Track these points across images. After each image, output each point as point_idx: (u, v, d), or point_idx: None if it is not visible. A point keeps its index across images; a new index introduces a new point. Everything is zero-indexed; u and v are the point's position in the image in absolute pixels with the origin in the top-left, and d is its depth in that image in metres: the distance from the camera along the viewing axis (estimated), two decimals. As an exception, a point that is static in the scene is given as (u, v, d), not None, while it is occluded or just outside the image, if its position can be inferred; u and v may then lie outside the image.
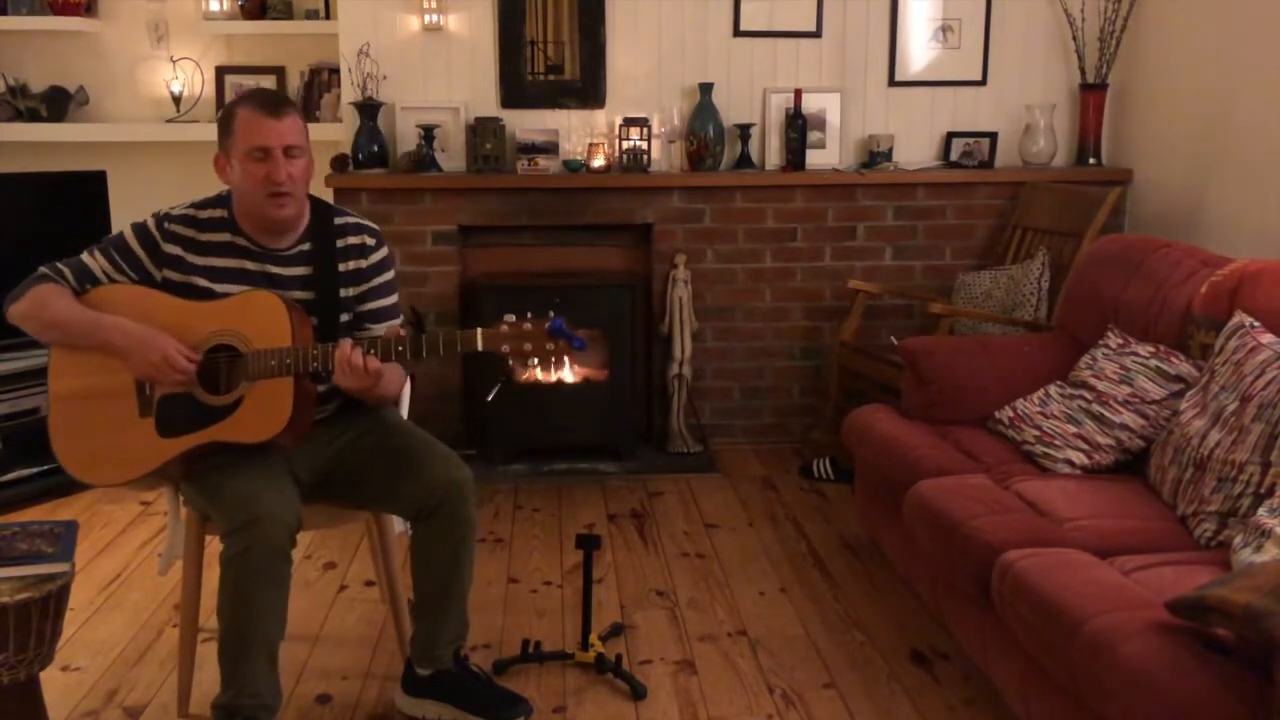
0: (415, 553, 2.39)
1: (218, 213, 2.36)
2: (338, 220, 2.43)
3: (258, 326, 2.25)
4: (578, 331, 2.18)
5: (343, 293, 2.40)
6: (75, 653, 2.74)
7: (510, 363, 2.20)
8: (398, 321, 2.48)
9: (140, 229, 2.35)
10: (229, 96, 4.52)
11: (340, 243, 2.41)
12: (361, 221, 2.47)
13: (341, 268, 2.40)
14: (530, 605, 3.03)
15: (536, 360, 2.19)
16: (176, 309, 2.30)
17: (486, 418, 4.11)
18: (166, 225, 2.34)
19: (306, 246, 2.39)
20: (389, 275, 2.49)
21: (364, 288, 2.43)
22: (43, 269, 2.35)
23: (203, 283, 2.32)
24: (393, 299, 2.49)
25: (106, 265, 2.34)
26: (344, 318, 2.40)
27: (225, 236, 2.35)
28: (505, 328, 2.19)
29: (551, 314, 2.19)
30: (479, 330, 2.19)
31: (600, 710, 2.50)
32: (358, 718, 2.49)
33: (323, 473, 2.40)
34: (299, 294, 2.35)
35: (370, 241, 2.45)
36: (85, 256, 2.36)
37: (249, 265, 2.34)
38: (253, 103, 2.30)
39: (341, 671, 2.68)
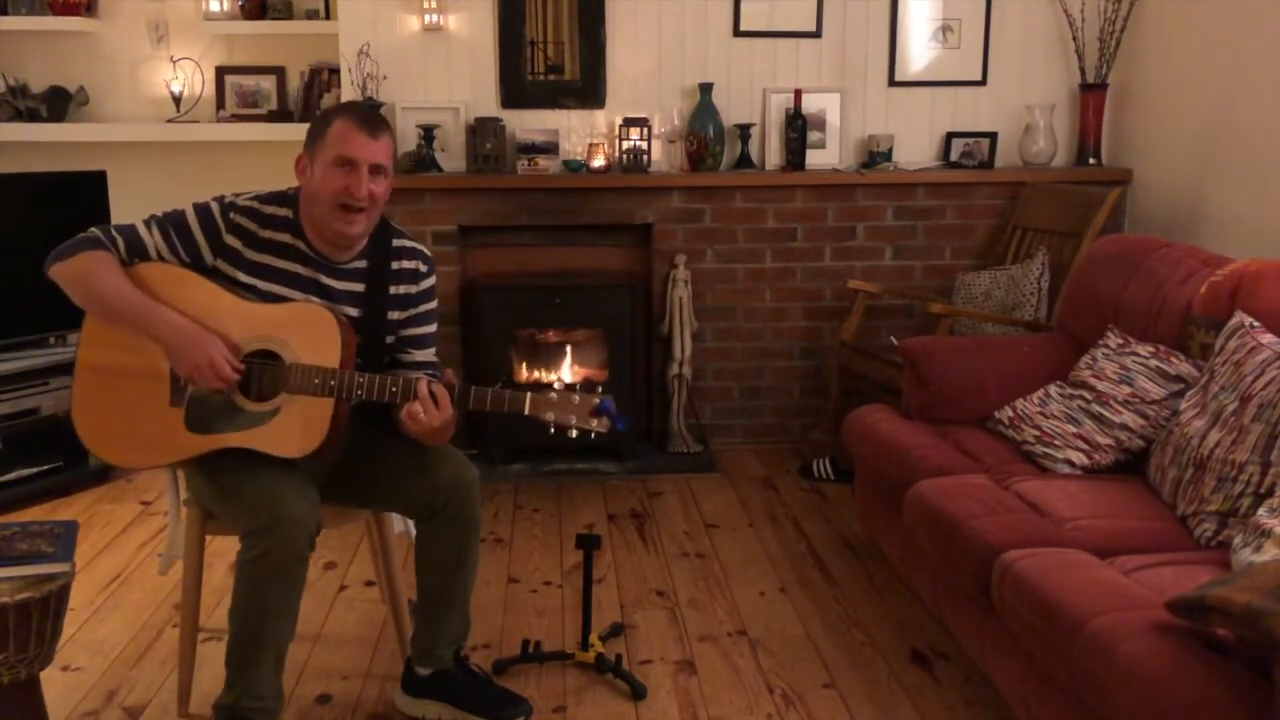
0: (419, 552, 2.39)
1: (282, 211, 2.31)
2: (395, 242, 2.40)
3: (307, 340, 2.22)
4: (621, 414, 2.21)
5: (390, 315, 2.38)
6: (75, 653, 2.74)
7: (551, 431, 2.22)
8: (431, 351, 2.46)
9: (204, 214, 2.28)
10: (229, 97, 4.53)
11: (395, 265, 2.39)
12: (417, 246, 2.44)
13: (393, 290, 2.38)
14: (530, 605, 3.03)
15: (575, 434, 2.21)
16: (223, 304, 2.25)
17: (487, 418, 4.11)
18: (231, 216, 2.28)
19: (363, 264, 2.35)
20: (433, 304, 2.47)
21: (410, 313, 2.41)
22: (95, 231, 2.27)
23: (250, 279, 2.27)
24: (433, 327, 2.47)
25: (161, 243, 2.27)
26: (388, 339, 2.39)
27: (286, 237, 2.30)
28: (554, 395, 2.19)
29: (599, 389, 2.21)
30: (528, 395, 2.19)
31: (600, 710, 2.50)
32: (358, 718, 2.49)
33: (331, 473, 2.39)
34: (348, 309, 2.32)
35: (423, 268, 2.43)
36: (141, 228, 2.28)
37: (302, 271, 2.30)
38: (352, 116, 2.27)
39: (341, 671, 2.68)
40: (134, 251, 2.27)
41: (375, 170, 2.25)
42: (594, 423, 2.19)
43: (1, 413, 3.69)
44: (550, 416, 2.20)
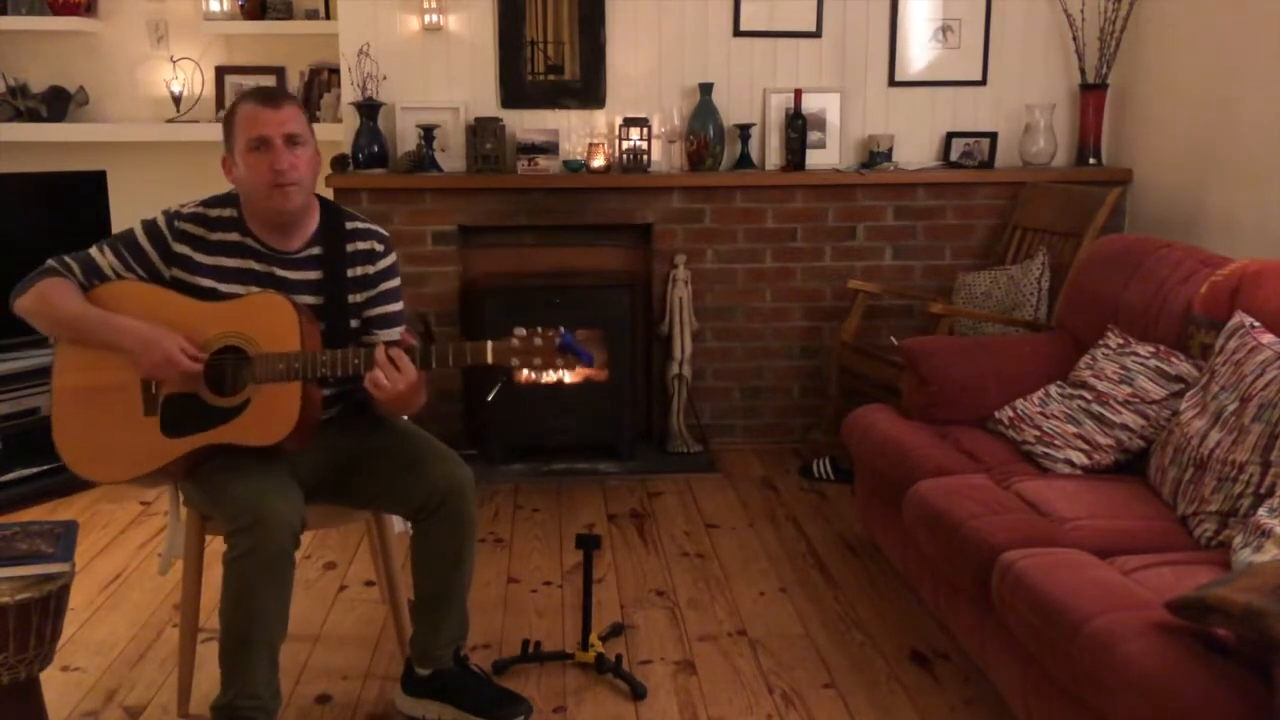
0: (416, 552, 2.39)
1: (227, 212, 2.34)
2: (348, 225, 2.42)
3: (265, 329, 2.24)
4: (579, 335, 2.19)
5: (351, 298, 2.39)
6: (75, 653, 2.74)
7: (521, 374, 2.20)
8: (401, 328, 2.47)
9: (151, 227, 2.33)
10: (229, 96, 4.52)
11: (349, 247, 2.40)
12: (371, 227, 2.45)
13: (350, 273, 2.39)
14: (530, 605, 3.03)
15: (546, 374, 2.20)
16: (185, 309, 2.29)
17: (486, 418, 4.11)
18: (177, 224, 2.32)
19: (316, 250, 2.37)
20: (395, 281, 2.47)
21: (371, 293, 2.42)
22: (51, 262, 2.32)
23: (209, 283, 2.31)
24: (398, 305, 2.48)
25: (115, 262, 2.32)
26: (353, 324, 2.40)
27: (234, 236, 2.33)
28: (516, 341, 2.19)
29: (561, 329, 2.20)
30: (489, 343, 2.19)
31: (600, 710, 2.50)
32: (358, 718, 2.49)
33: (325, 473, 2.40)
34: (307, 298, 2.33)
35: (379, 247, 2.44)
36: (94, 252, 2.33)
37: (256, 266, 2.33)
38: (250, 97, 2.30)
39: (341, 671, 2.68)
40: (90, 274, 2.32)
41: (290, 140, 2.26)
42: (560, 362, 2.19)
43: (1, 413, 3.69)
44: (515, 362, 2.19)
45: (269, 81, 4.53)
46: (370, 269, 2.42)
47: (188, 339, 2.24)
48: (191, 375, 2.23)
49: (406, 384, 2.19)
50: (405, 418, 2.63)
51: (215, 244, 2.33)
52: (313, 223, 2.38)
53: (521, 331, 2.19)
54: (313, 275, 2.36)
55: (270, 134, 2.24)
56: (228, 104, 4.48)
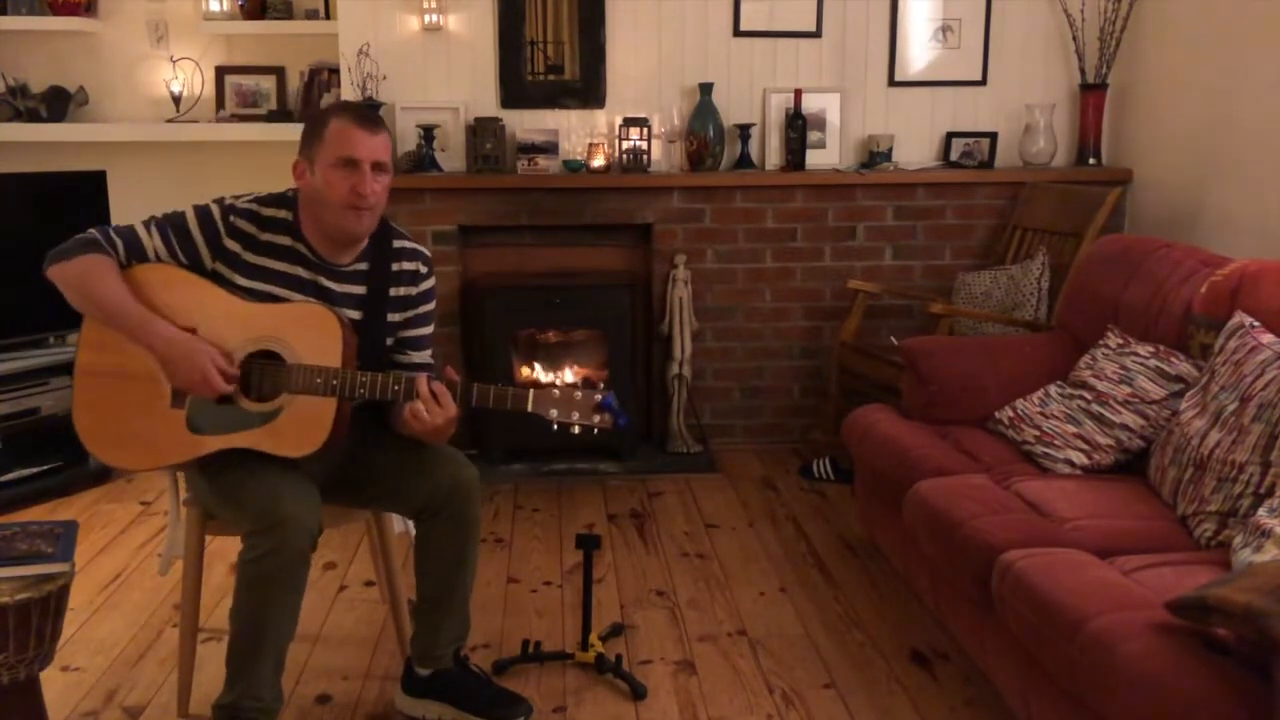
0: (419, 552, 2.39)
1: (282, 213, 2.30)
2: (396, 243, 2.40)
3: (308, 341, 2.22)
4: (624, 411, 2.21)
5: (390, 317, 2.38)
6: (75, 653, 2.74)
7: (554, 428, 2.22)
8: (428, 353, 2.46)
9: (205, 216, 2.27)
10: (229, 96, 4.53)
11: (395, 267, 2.38)
12: (417, 247, 2.43)
13: (393, 292, 2.37)
14: (530, 605, 3.03)
15: (578, 430, 2.21)
16: (223, 305, 2.25)
17: (487, 418, 4.10)
18: (231, 219, 2.27)
19: (364, 266, 2.35)
20: (431, 305, 2.46)
21: (409, 314, 2.41)
22: (94, 233, 2.26)
23: (252, 283, 2.26)
24: (430, 328, 2.47)
25: (160, 245, 2.26)
26: (388, 341, 2.39)
27: (286, 240, 2.30)
28: (557, 392, 2.20)
29: (603, 386, 2.22)
30: (531, 392, 2.19)
31: (600, 710, 2.50)
32: (358, 718, 2.49)
33: (331, 473, 2.39)
34: (349, 312, 2.31)
35: (423, 270, 2.43)
36: (140, 230, 2.27)
37: (303, 273, 2.30)
38: (349, 114, 2.26)
39: (341, 671, 2.68)
40: (133, 254, 2.27)
41: (377, 167, 2.25)
42: (597, 419, 2.20)
43: (1, 413, 3.69)
44: (554, 414, 2.20)
45: (268, 82, 4.53)
46: (413, 290, 2.41)
47: (226, 336, 2.21)
48: (221, 393, 2.19)
49: (445, 419, 2.19)
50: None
51: (264, 245, 2.29)
52: (365, 238, 2.36)
53: (562, 383, 2.20)
54: (357, 290, 2.34)
55: (362, 157, 2.22)
56: (227, 104, 4.51)
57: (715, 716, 2.47)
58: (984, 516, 2.38)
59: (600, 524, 3.62)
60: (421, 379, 2.20)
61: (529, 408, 2.19)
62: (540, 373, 4.18)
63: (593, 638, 2.69)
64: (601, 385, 2.23)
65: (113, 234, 2.27)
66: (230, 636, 2.18)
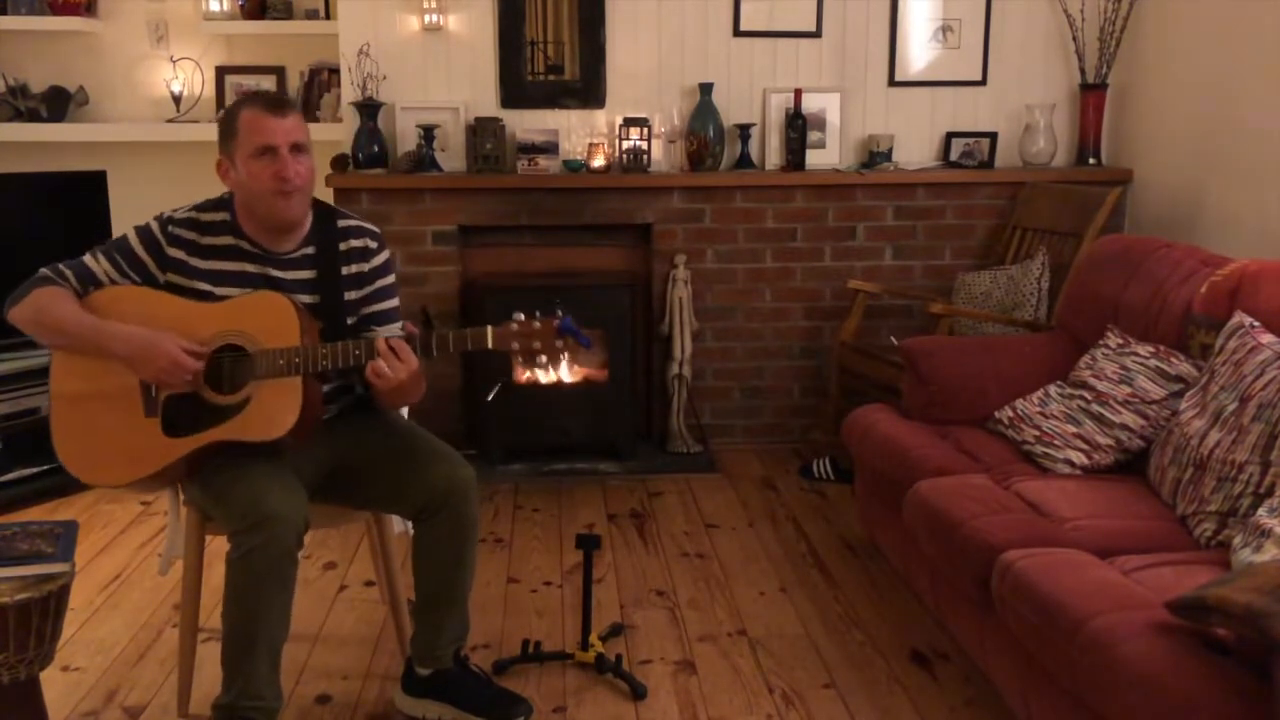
0: (417, 552, 2.39)
1: (220, 215, 2.35)
2: (340, 223, 2.43)
3: (265, 326, 2.25)
4: (584, 330, 2.20)
5: (346, 296, 2.39)
6: (75, 653, 2.74)
7: (519, 360, 2.22)
8: (398, 325, 2.47)
9: (144, 232, 2.34)
10: (229, 96, 4.52)
11: (343, 246, 2.41)
12: (364, 225, 2.46)
13: (344, 271, 2.40)
14: (530, 605, 3.03)
15: (545, 358, 2.21)
16: (182, 310, 2.29)
17: (486, 418, 4.11)
18: (170, 229, 2.33)
19: (310, 250, 2.38)
20: (391, 278, 2.48)
21: (367, 291, 2.43)
22: (44, 271, 2.33)
23: (205, 286, 2.32)
24: (395, 302, 2.48)
25: (109, 268, 2.33)
26: (349, 321, 2.40)
27: (228, 240, 2.34)
28: (515, 326, 2.20)
29: (559, 312, 2.21)
30: (489, 329, 2.20)
31: (600, 710, 2.50)
32: (358, 718, 2.49)
33: (325, 472, 2.40)
34: (303, 297, 2.34)
35: (372, 245, 2.45)
36: (88, 259, 2.34)
37: (250, 268, 2.33)
38: (256, 103, 2.30)
39: (341, 671, 2.68)
40: (85, 281, 2.33)
41: (295, 148, 2.27)
42: (559, 344, 2.20)
43: (1, 413, 3.69)
44: (515, 346, 2.20)
45: (269, 82, 4.53)
46: (364, 266, 2.43)
47: (186, 337, 2.24)
48: (194, 374, 2.22)
49: (408, 373, 2.20)
50: (406, 416, 2.64)
51: (208, 248, 2.33)
52: (306, 224, 2.39)
53: (520, 316, 2.20)
54: (307, 275, 2.37)
55: (277, 142, 2.25)
56: (228, 104, 4.51)
57: (715, 716, 2.47)
58: (984, 516, 2.38)
59: (600, 524, 3.62)
60: (379, 339, 2.22)
61: (490, 344, 2.20)
62: (540, 374, 4.19)
63: (593, 638, 2.69)
64: (557, 311, 2.21)
65: (63, 268, 2.33)
66: (223, 636, 2.19)
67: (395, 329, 2.44)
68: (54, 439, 2.33)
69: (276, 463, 2.26)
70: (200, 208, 2.37)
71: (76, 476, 2.34)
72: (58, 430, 2.32)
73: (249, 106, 2.29)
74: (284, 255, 2.36)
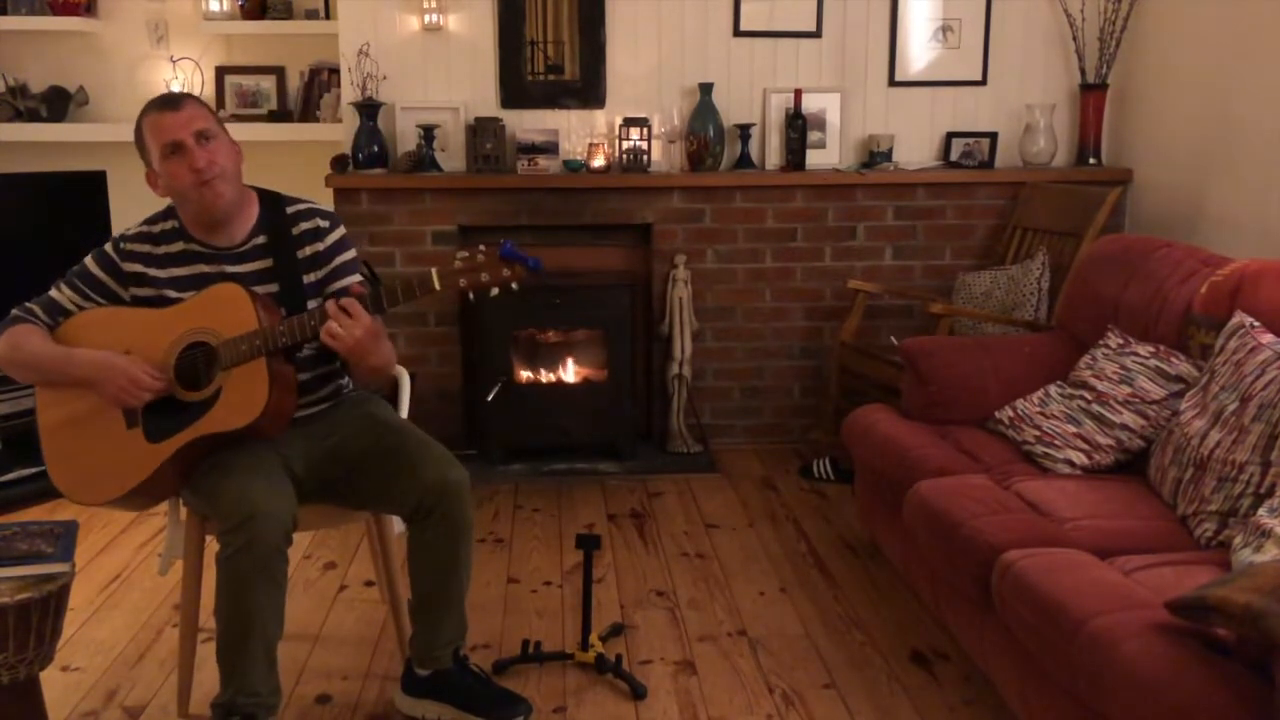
0: (412, 554, 2.39)
1: (169, 224, 2.39)
2: (289, 209, 2.45)
3: (225, 318, 2.27)
4: (530, 255, 2.21)
5: (306, 279, 2.40)
6: (75, 653, 2.75)
7: (473, 296, 2.22)
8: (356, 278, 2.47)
9: (100, 254, 2.39)
10: (229, 97, 4.53)
11: (295, 230, 2.42)
12: (314, 205, 2.48)
13: (300, 254, 2.41)
14: (530, 605, 3.03)
15: (496, 290, 2.21)
16: (145, 320, 2.33)
17: (486, 418, 4.11)
18: (123, 245, 2.37)
19: (261, 239, 2.40)
20: (350, 254, 2.48)
21: (325, 271, 2.43)
22: (15, 311, 2.38)
23: (171, 294, 2.35)
24: (357, 276, 2.47)
25: (74, 295, 2.38)
26: (311, 304, 2.39)
27: (179, 245, 2.37)
28: (458, 263, 2.21)
29: (501, 240, 2.23)
30: (434, 269, 2.20)
31: (600, 710, 2.50)
32: (358, 718, 2.49)
33: (318, 470, 2.40)
34: (265, 287, 2.36)
35: (324, 224, 2.45)
36: (53, 291, 2.40)
37: (206, 269, 2.36)
38: (152, 107, 2.33)
39: (341, 671, 2.68)
40: (53, 313, 2.38)
41: (200, 136, 2.28)
42: (507, 273, 2.21)
43: (1, 413, 3.69)
44: (463, 283, 2.20)
45: (269, 82, 4.53)
46: (320, 245, 2.43)
47: (154, 345, 2.28)
48: (156, 390, 2.25)
49: (363, 330, 2.20)
50: (405, 415, 2.64)
51: (164, 256, 2.37)
52: (252, 213, 2.41)
53: (463, 253, 2.20)
54: (263, 264, 2.38)
55: (180, 137, 2.27)
56: (228, 104, 4.52)
57: (715, 716, 2.47)
58: (984, 516, 2.38)
59: (600, 524, 3.62)
60: (329, 301, 2.22)
61: (437, 286, 2.19)
62: (541, 375, 4.19)
63: (593, 638, 2.69)
64: (500, 240, 2.23)
65: (30, 305, 2.39)
66: (217, 635, 2.20)
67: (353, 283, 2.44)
68: (49, 470, 2.38)
69: (264, 459, 2.28)
70: (150, 220, 2.41)
71: (75, 501, 2.37)
72: (50, 460, 2.38)
73: (146, 113, 2.32)
74: (236, 249, 2.38)
